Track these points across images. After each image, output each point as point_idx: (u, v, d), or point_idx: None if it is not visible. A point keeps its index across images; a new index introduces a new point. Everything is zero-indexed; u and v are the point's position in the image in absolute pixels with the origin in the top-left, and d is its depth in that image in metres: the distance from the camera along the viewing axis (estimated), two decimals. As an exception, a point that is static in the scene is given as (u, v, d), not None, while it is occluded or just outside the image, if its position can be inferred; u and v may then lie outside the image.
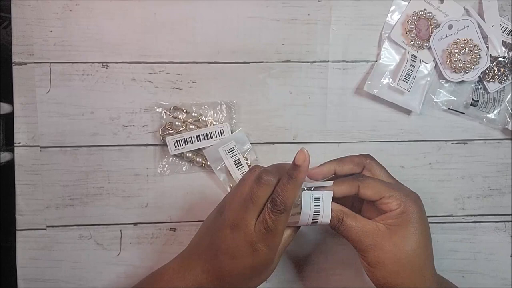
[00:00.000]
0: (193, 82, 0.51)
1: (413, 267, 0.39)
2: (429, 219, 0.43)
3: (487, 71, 0.51)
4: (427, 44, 0.51)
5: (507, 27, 0.50)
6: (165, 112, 0.51)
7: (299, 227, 0.42)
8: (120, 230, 0.52)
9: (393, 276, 0.39)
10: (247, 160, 0.51)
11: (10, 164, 0.51)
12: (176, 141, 0.50)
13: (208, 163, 0.51)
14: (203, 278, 0.39)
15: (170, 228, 0.52)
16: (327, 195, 0.41)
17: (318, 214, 0.41)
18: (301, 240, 0.52)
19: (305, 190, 0.41)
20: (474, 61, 0.50)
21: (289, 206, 0.37)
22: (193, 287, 0.39)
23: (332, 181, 0.42)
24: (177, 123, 0.51)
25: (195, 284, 0.39)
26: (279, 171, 0.38)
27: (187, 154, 0.51)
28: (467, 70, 0.50)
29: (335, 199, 0.41)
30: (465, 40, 0.50)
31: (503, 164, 0.53)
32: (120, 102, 0.51)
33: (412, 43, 0.51)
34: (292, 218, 0.40)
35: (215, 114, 0.51)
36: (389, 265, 0.39)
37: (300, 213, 0.40)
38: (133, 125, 0.51)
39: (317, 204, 0.41)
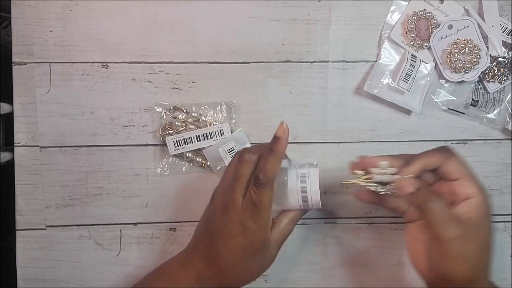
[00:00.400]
0: (193, 82, 0.51)
1: (484, 264, 0.40)
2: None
3: (487, 71, 0.51)
4: (427, 44, 0.51)
5: (507, 27, 0.50)
6: (165, 112, 0.51)
7: (298, 217, 0.42)
8: (120, 230, 0.52)
9: (469, 270, 0.38)
10: (247, 160, 0.51)
11: (10, 164, 0.51)
12: (176, 141, 0.50)
13: (208, 163, 0.51)
14: (203, 267, 0.39)
15: (170, 228, 0.52)
16: (313, 172, 0.41)
17: (306, 192, 0.40)
18: (301, 240, 0.52)
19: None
20: (474, 61, 0.50)
21: (271, 179, 0.38)
22: (195, 277, 0.39)
23: (317, 162, 0.42)
24: (177, 123, 0.51)
25: (196, 274, 0.39)
26: (260, 149, 0.39)
27: (187, 154, 0.51)
28: (467, 70, 0.50)
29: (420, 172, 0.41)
30: (465, 40, 0.50)
31: (503, 164, 0.53)
32: (120, 102, 0.51)
33: (412, 43, 0.51)
34: (281, 199, 0.40)
35: (215, 114, 0.51)
36: (473, 258, 0.38)
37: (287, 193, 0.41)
38: (133, 125, 0.51)
39: (303, 182, 0.41)
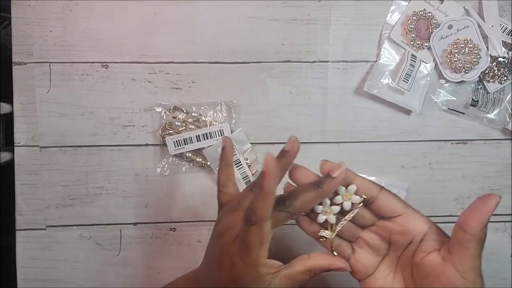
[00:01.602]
0: (193, 82, 0.51)
1: None
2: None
3: (487, 71, 0.51)
4: (427, 44, 0.51)
5: (507, 27, 0.50)
6: (165, 112, 0.51)
7: (316, 269, 0.38)
8: (120, 230, 0.52)
9: None
10: (247, 160, 0.51)
11: (10, 164, 0.51)
12: (176, 141, 0.50)
13: (208, 163, 0.51)
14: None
15: (170, 228, 0.52)
16: None
17: None
18: (301, 240, 0.52)
19: None
20: (474, 61, 0.50)
21: (261, 218, 0.33)
22: None
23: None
24: (177, 123, 0.51)
25: None
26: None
27: (187, 154, 0.51)
28: (467, 70, 0.50)
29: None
30: (465, 40, 0.50)
31: (503, 164, 0.53)
32: (120, 102, 0.51)
33: (412, 43, 0.51)
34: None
35: (215, 114, 0.51)
36: None
37: None
38: (133, 125, 0.51)
39: None
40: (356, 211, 0.35)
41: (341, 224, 0.35)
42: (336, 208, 0.35)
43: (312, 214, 0.36)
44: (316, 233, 0.36)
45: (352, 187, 0.34)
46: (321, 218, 0.35)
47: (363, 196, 0.34)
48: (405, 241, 0.35)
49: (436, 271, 0.33)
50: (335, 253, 0.36)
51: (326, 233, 0.36)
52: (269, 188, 0.32)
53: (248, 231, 0.33)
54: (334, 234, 0.36)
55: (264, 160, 0.32)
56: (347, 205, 0.34)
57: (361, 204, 0.34)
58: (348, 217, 0.35)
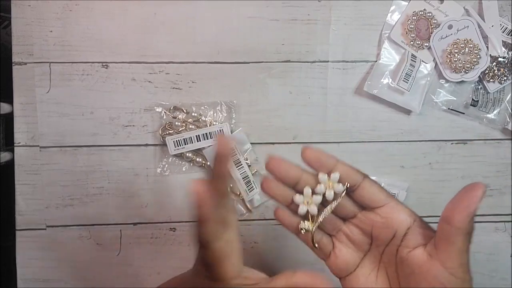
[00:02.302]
0: (193, 82, 0.51)
1: None
2: (429, 219, 0.43)
3: (487, 71, 0.51)
4: (427, 44, 0.51)
5: (507, 27, 0.50)
6: (165, 112, 0.51)
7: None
8: (120, 230, 0.52)
9: None
10: (247, 160, 0.51)
11: (10, 164, 0.51)
12: (176, 141, 0.50)
13: (208, 163, 0.51)
14: None
15: (170, 228, 0.52)
16: None
17: None
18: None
19: None
20: (474, 61, 0.50)
21: (205, 243, 0.31)
22: None
23: None
24: (177, 123, 0.51)
25: None
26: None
27: (187, 154, 0.51)
28: (467, 70, 0.50)
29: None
30: (465, 40, 0.50)
31: (503, 164, 0.53)
32: (120, 102, 0.51)
33: (412, 43, 0.51)
34: None
35: (215, 114, 0.51)
36: None
37: None
38: (133, 125, 0.51)
39: None
40: (338, 200, 0.33)
41: (323, 214, 0.34)
42: (318, 198, 0.33)
43: (292, 206, 0.34)
44: (295, 227, 0.35)
45: (335, 176, 0.32)
46: (302, 209, 0.33)
47: (346, 184, 0.33)
48: (387, 235, 0.33)
49: (422, 268, 0.31)
50: (316, 246, 0.35)
51: (306, 225, 0.34)
52: (200, 215, 0.30)
53: (201, 253, 0.32)
54: (315, 225, 0.34)
55: (192, 188, 0.30)
56: (329, 194, 0.33)
57: (344, 193, 0.33)
58: (330, 207, 0.33)
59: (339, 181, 0.33)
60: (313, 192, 0.33)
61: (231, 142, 0.31)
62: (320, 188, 0.33)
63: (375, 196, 0.33)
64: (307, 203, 0.34)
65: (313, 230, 0.34)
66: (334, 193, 0.33)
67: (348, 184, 0.33)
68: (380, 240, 0.34)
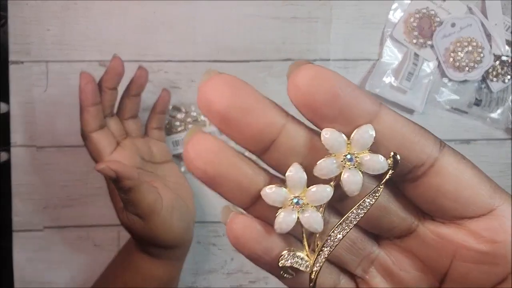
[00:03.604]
0: (192, 81, 0.50)
1: None
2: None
3: (490, 70, 0.50)
4: (430, 43, 0.50)
5: (510, 26, 0.50)
6: (164, 111, 0.50)
7: None
8: (118, 232, 0.51)
9: None
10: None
11: (7, 164, 0.50)
12: (175, 141, 0.50)
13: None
14: None
15: (169, 229, 0.51)
16: None
17: None
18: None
19: None
20: (477, 60, 0.49)
21: (84, 130, 0.40)
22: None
23: None
24: (176, 122, 0.50)
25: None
26: None
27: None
28: (470, 69, 0.50)
29: None
30: (468, 39, 0.49)
31: (506, 164, 0.53)
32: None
33: (414, 41, 0.50)
34: None
35: (214, 114, 0.51)
36: None
37: None
38: (132, 125, 0.50)
39: None
40: (377, 195, 0.16)
41: (338, 232, 0.16)
42: (323, 193, 0.16)
43: (262, 208, 0.17)
44: (272, 260, 0.17)
45: (366, 135, 0.15)
46: (286, 219, 0.16)
47: (395, 157, 0.15)
48: (491, 278, 0.16)
49: None
50: None
51: (296, 259, 0.17)
52: (83, 101, 0.38)
53: (86, 145, 0.41)
54: (320, 260, 0.16)
55: (80, 77, 0.38)
56: (351, 182, 0.16)
57: (390, 174, 0.16)
58: (357, 213, 0.16)
59: (376, 149, 0.16)
60: (311, 179, 0.16)
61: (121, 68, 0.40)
62: (328, 165, 0.16)
63: (469, 192, 0.16)
64: (292, 203, 0.16)
65: (316, 269, 0.17)
66: (360, 176, 0.16)
67: (400, 159, 0.16)
68: (466, 282, 0.17)
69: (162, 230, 0.40)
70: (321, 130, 0.15)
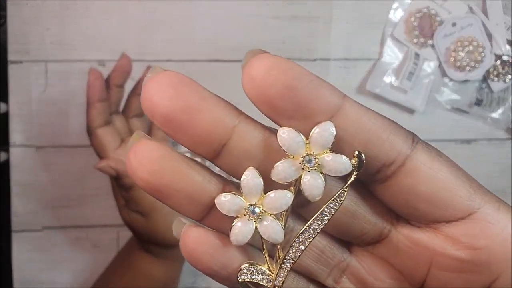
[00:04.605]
0: (192, 81, 0.50)
1: None
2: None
3: (491, 70, 0.50)
4: (431, 42, 0.50)
5: (511, 25, 0.50)
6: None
7: None
8: (117, 232, 0.51)
9: None
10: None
11: (6, 164, 0.50)
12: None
13: (207, 163, 0.50)
14: None
15: (169, 230, 0.51)
16: None
17: None
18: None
19: None
20: (478, 60, 0.49)
21: (90, 126, 0.41)
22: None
23: None
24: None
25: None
26: None
27: (186, 154, 0.50)
28: (471, 69, 0.50)
29: None
30: (469, 38, 0.49)
31: (506, 164, 0.52)
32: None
33: (415, 41, 0.50)
34: None
35: (214, 114, 0.51)
36: None
37: None
38: (131, 125, 0.50)
39: None
40: (342, 199, 0.15)
41: (299, 244, 0.15)
42: (283, 199, 0.15)
43: (220, 221, 0.15)
44: (231, 276, 0.16)
45: (325, 133, 0.14)
46: (242, 229, 0.15)
47: (360, 156, 0.14)
48: (475, 287, 0.15)
49: None
50: None
51: (259, 273, 0.15)
52: (90, 97, 0.39)
53: (91, 140, 0.41)
54: (284, 276, 0.15)
55: (88, 73, 0.39)
56: (312, 185, 0.14)
57: (356, 175, 0.14)
58: (320, 220, 0.15)
59: (340, 149, 0.14)
60: (269, 185, 0.15)
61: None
62: (286, 168, 0.14)
63: (446, 193, 0.15)
64: (251, 212, 0.15)
65: (278, 284, 0.15)
66: (323, 178, 0.14)
67: (365, 158, 0.14)
68: None
69: (163, 228, 0.40)
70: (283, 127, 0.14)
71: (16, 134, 0.50)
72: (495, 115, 0.51)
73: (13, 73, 0.49)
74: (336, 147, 0.14)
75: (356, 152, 0.14)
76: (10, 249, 0.50)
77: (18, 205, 0.50)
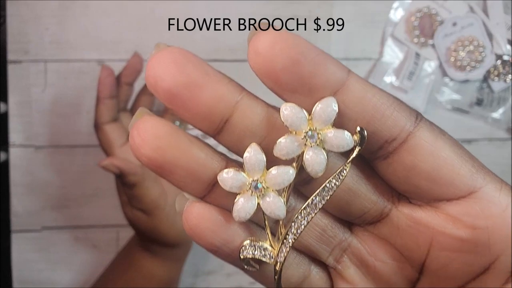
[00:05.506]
0: (191, 81, 0.50)
1: None
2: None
3: (492, 70, 0.50)
4: (431, 42, 0.50)
5: (511, 25, 0.50)
6: (163, 111, 0.50)
7: None
8: (117, 232, 0.51)
9: None
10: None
11: (5, 164, 0.50)
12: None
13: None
14: None
15: (168, 230, 0.51)
16: None
17: None
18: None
19: None
20: (479, 59, 0.49)
21: (98, 121, 0.41)
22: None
23: None
24: (176, 122, 0.50)
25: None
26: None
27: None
28: (472, 69, 0.50)
29: None
30: (469, 38, 0.49)
31: (507, 164, 0.52)
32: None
33: (415, 40, 0.50)
34: None
35: (214, 113, 0.50)
36: None
37: None
38: (131, 125, 0.50)
39: None
40: (343, 175, 0.15)
41: (302, 217, 0.15)
42: (285, 175, 0.14)
43: (223, 198, 0.15)
44: (232, 251, 0.16)
45: (327, 108, 0.14)
46: (245, 205, 0.15)
47: (362, 132, 0.14)
48: (471, 267, 0.15)
49: None
50: None
51: (258, 250, 0.15)
52: (100, 93, 0.39)
53: (98, 136, 0.41)
54: (286, 252, 0.15)
55: (101, 69, 0.40)
56: (315, 161, 0.14)
57: (358, 151, 0.14)
58: (322, 196, 0.15)
59: (344, 124, 0.14)
60: (272, 161, 0.15)
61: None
62: (289, 144, 0.14)
63: (447, 171, 0.15)
64: (254, 188, 0.15)
65: (280, 260, 0.15)
66: (325, 153, 0.14)
67: (368, 134, 0.14)
68: (446, 272, 0.15)
69: (166, 226, 0.40)
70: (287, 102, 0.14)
71: (15, 134, 0.50)
72: (496, 115, 0.51)
73: (13, 72, 0.49)
74: (340, 123, 0.14)
75: (358, 128, 0.14)
76: (9, 249, 0.50)
77: (18, 205, 0.50)
